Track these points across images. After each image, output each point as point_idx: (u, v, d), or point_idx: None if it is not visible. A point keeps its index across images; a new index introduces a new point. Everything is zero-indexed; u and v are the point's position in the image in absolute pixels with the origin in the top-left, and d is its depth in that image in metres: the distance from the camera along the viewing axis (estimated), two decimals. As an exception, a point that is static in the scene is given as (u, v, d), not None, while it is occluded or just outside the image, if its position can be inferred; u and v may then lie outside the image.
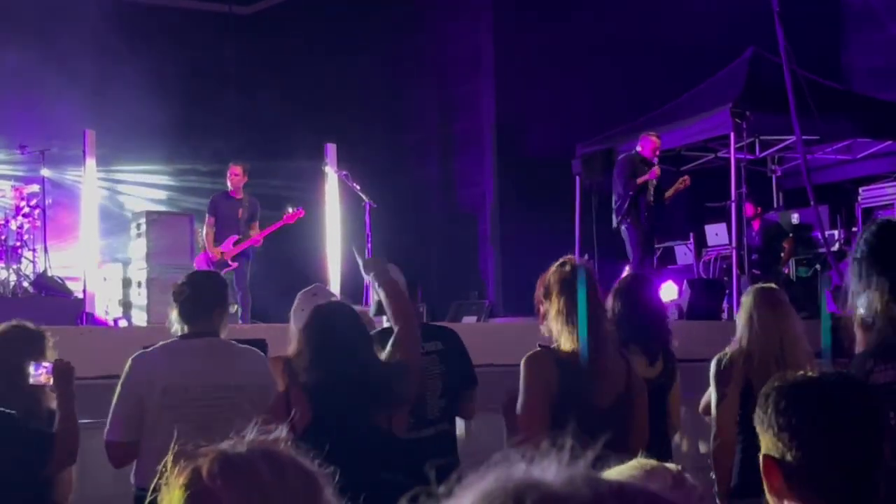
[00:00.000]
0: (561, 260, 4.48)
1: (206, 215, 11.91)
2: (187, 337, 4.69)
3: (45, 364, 4.49)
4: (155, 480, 1.61)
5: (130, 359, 4.70)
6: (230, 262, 11.54)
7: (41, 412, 4.58)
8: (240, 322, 11.58)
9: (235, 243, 11.68)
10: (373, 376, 4.27)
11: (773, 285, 5.33)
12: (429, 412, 5.00)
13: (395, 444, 4.40)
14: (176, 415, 4.48)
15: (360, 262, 4.73)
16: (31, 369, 4.49)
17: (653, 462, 1.84)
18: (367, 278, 4.72)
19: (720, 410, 4.98)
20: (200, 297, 4.73)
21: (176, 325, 4.73)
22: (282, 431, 1.65)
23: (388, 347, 4.46)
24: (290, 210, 11.95)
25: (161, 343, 4.72)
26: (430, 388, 5.01)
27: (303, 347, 4.31)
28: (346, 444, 4.08)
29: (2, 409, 4.36)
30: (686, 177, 12.70)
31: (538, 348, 4.37)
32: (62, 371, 4.49)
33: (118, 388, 4.62)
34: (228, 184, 11.93)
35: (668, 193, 12.31)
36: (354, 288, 10.91)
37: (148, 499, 1.75)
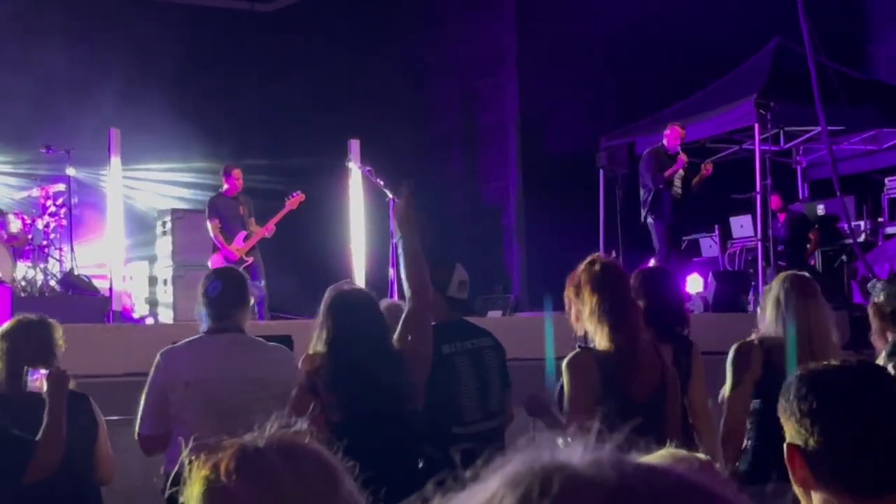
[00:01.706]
0: (590, 258, 4.49)
1: (208, 219, 11.92)
2: (212, 332, 4.75)
3: (42, 371, 4.46)
4: (174, 471, 1.63)
5: (158, 354, 4.78)
6: (245, 258, 11.68)
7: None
8: (258, 317, 11.69)
9: (245, 239, 11.79)
10: (391, 356, 4.33)
11: (805, 273, 5.28)
12: (492, 404, 5.05)
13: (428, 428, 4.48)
14: (200, 407, 4.60)
15: (395, 210, 4.72)
16: (28, 375, 4.50)
17: (682, 451, 1.85)
18: (396, 237, 4.72)
19: (732, 397, 4.96)
20: (225, 294, 4.80)
21: (202, 322, 4.78)
22: (303, 424, 1.66)
23: (399, 324, 4.50)
24: (289, 197, 12.07)
25: (187, 339, 4.80)
26: (492, 382, 5.06)
27: (321, 331, 4.39)
28: (374, 422, 4.16)
29: None
30: (708, 163, 12.63)
31: (578, 349, 4.38)
32: (55, 379, 4.43)
33: (146, 384, 4.69)
34: (226, 185, 12.01)
35: (694, 182, 12.26)
36: (380, 284, 10.94)
37: (168, 491, 1.77)
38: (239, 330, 4.83)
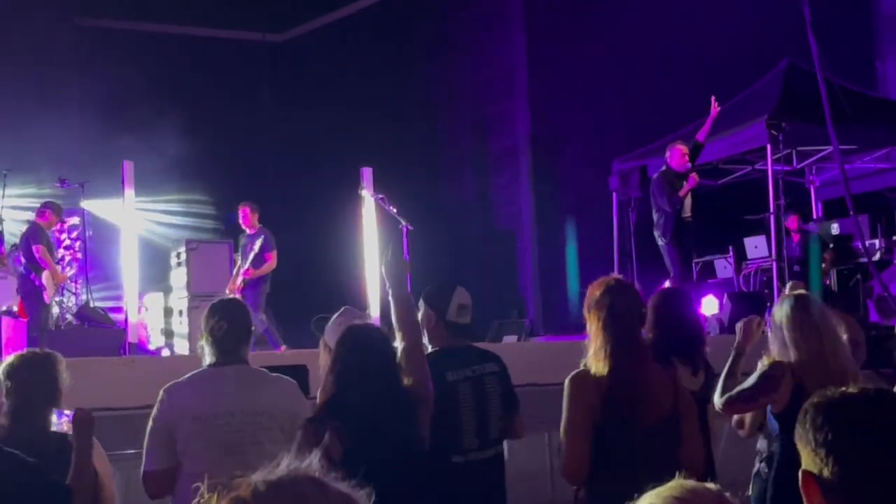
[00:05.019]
0: (601, 279, 4.45)
1: None
2: (217, 365, 4.73)
3: (67, 412, 4.40)
4: None
5: (162, 390, 4.72)
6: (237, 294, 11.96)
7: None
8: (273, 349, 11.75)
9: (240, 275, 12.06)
10: (401, 399, 4.30)
11: (802, 291, 5.23)
12: (491, 433, 5.02)
13: (437, 464, 4.41)
14: (207, 442, 4.52)
15: (384, 263, 4.71)
16: (54, 417, 4.44)
17: (692, 483, 1.82)
18: (386, 281, 4.70)
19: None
20: (230, 332, 4.76)
21: (207, 355, 4.77)
22: (315, 458, 1.64)
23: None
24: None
25: (191, 373, 4.75)
26: (492, 410, 5.03)
27: (333, 368, 4.34)
28: (383, 467, 4.10)
29: (24, 457, 4.11)
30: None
31: (581, 367, 4.35)
32: (80, 421, 4.33)
33: (150, 421, 4.64)
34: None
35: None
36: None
37: None
38: (243, 362, 4.77)
